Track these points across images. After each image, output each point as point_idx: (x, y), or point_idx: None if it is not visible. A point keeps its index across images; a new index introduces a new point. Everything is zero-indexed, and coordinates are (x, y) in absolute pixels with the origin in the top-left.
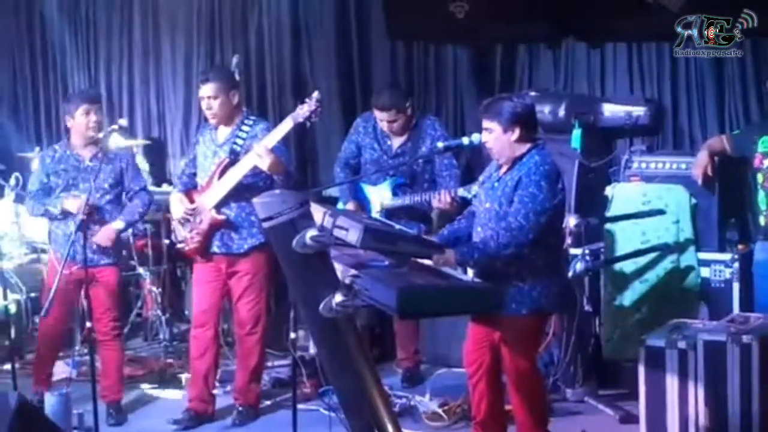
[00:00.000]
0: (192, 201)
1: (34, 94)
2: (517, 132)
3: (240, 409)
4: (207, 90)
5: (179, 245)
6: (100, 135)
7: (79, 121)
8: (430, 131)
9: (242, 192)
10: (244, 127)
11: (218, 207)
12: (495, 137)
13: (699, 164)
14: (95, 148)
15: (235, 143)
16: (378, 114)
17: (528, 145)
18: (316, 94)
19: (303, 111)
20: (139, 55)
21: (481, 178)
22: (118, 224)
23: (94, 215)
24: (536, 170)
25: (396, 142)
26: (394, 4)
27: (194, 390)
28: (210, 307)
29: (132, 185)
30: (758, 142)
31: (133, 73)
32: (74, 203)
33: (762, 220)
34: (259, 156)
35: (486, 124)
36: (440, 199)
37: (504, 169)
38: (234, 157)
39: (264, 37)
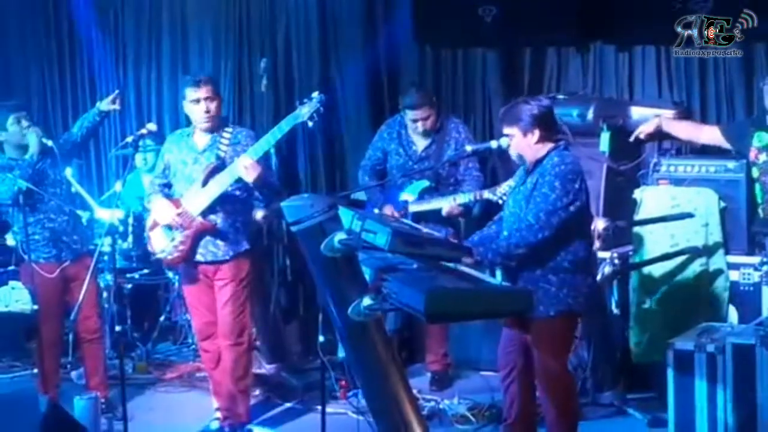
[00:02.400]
0: (178, 206)
1: (63, 96)
2: (537, 134)
3: (235, 429)
4: (204, 91)
5: (159, 255)
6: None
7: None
8: (455, 134)
9: (223, 201)
10: (225, 134)
11: (204, 214)
12: (516, 142)
13: (648, 124)
14: None
15: (218, 149)
16: (411, 114)
17: (549, 146)
18: (316, 94)
19: (304, 111)
20: (168, 58)
21: (512, 183)
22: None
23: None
24: (551, 170)
25: (420, 145)
26: (422, 8)
27: (222, 401)
28: (212, 318)
29: None
30: (753, 136)
31: (162, 76)
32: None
33: (761, 213)
34: (245, 168)
35: (506, 130)
36: (450, 209)
37: (528, 174)
38: (220, 163)
39: (291, 41)
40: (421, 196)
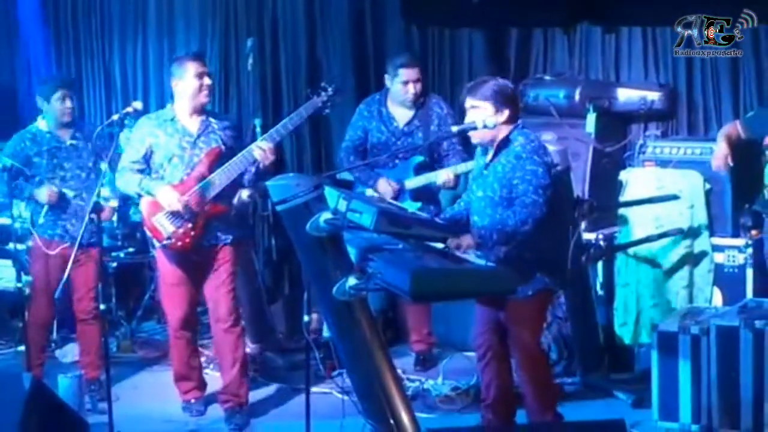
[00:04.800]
0: (184, 191)
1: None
2: (506, 113)
3: (232, 411)
4: (203, 65)
5: (165, 242)
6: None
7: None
8: (437, 109)
9: (228, 186)
10: (212, 118)
11: (213, 199)
12: (484, 116)
13: (719, 156)
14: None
15: (215, 133)
16: (404, 74)
17: (510, 127)
18: (332, 86)
19: (320, 99)
20: (154, 37)
21: (474, 169)
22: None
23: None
24: (524, 148)
25: (402, 121)
26: None
27: (193, 381)
28: (193, 309)
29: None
30: None
31: (148, 55)
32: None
33: (767, 194)
34: (263, 152)
35: (477, 103)
36: (446, 180)
37: (490, 155)
38: (226, 148)
39: (278, 21)
40: (417, 171)
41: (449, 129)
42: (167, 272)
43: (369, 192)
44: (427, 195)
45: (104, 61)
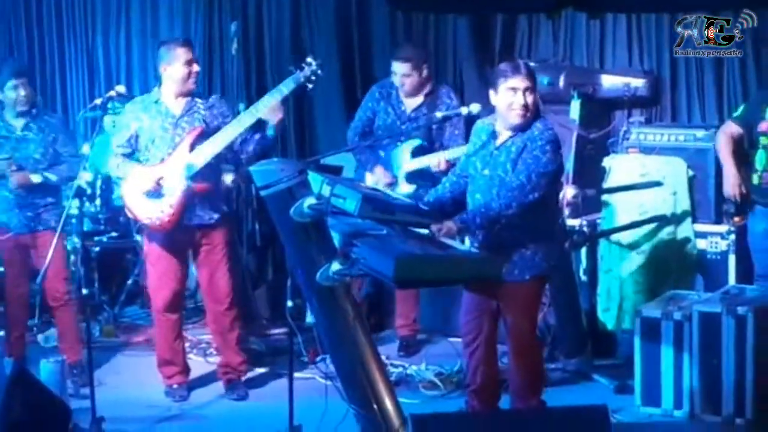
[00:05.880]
0: (158, 172)
1: (31, 67)
2: (537, 97)
3: (233, 384)
4: (191, 52)
5: (147, 220)
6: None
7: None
8: (446, 99)
9: (210, 166)
10: (197, 100)
11: (192, 178)
12: (530, 98)
13: (733, 183)
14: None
15: (198, 113)
16: (395, 65)
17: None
18: (315, 60)
19: (304, 74)
20: (137, 20)
21: (471, 147)
22: (36, 177)
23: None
24: (541, 136)
25: (410, 106)
26: None
27: (177, 366)
28: (179, 291)
29: (63, 150)
30: (766, 110)
31: (131, 39)
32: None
33: (756, 179)
34: (273, 110)
35: (528, 83)
36: (438, 163)
37: (504, 136)
38: (206, 127)
39: (262, 4)
40: (414, 154)
41: (435, 116)
42: (151, 252)
43: (368, 176)
44: (424, 178)
45: (87, 45)
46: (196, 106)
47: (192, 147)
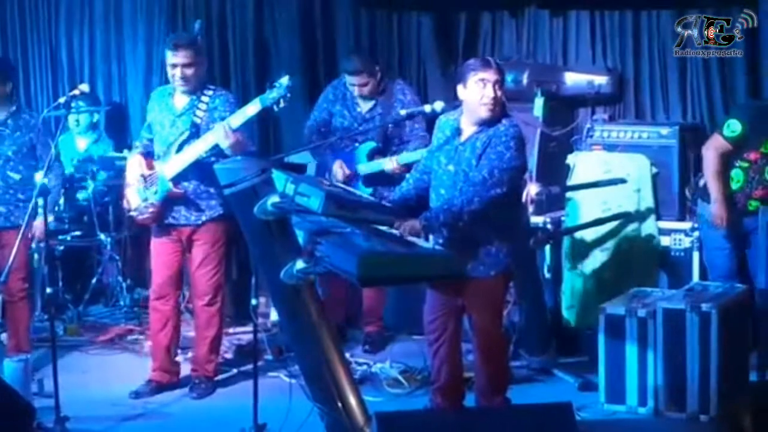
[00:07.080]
0: (150, 167)
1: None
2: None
3: (196, 381)
4: (182, 57)
5: (132, 213)
6: None
7: None
8: (400, 96)
9: (199, 167)
10: (204, 98)
11: (175, 180)
12: (499, 92)
13: (719, 216)
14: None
15: (195, 115)
16: (349, 79)
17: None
18: (285, 80)
19: (272, 95)
20: (101, 19)
21: (435, 142)
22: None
23: None
24: (506, 132)
25: (365, 107)
26: None
27: (156, 362)
28: (170, 279)
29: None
30: (765, 143)
31: (95, 37)
32: None
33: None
34: (224, 136)
35: (495, 77)
36: (392, 169)
37: (469, 132)
38: (195, 131)
39: (226, 3)
40: (370, 157)
41: (398, 113)
42: (152, 239)
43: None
44: (380, 181)
45: (51, 44)
46: (196, 105)
47: (179, 149)
